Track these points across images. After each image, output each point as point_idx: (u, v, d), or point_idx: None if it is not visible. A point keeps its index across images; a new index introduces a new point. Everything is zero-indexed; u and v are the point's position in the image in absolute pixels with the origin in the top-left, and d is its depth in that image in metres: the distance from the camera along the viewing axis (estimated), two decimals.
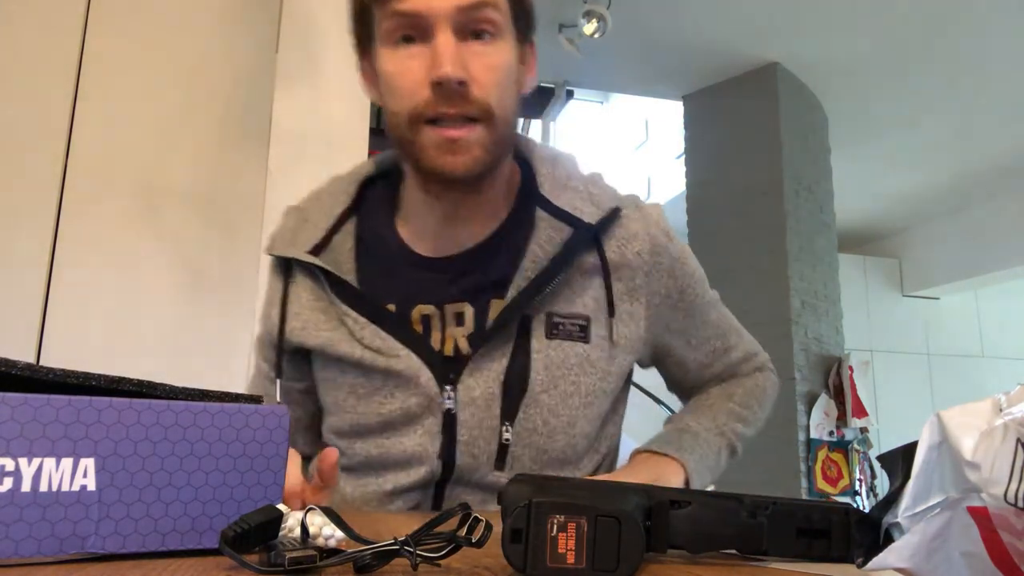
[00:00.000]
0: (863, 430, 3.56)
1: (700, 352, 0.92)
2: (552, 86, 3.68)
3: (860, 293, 5.58)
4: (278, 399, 0.85)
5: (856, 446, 3.53)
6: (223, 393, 0.48)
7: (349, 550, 0.38)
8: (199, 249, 1.97)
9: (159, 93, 2.02)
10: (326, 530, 0.42)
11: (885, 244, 6.01)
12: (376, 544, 0.38)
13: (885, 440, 4.51)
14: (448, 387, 0.78)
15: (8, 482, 0.40)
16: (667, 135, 5.07)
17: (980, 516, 0.29)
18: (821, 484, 3.38)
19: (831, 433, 3.46)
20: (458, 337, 0.79)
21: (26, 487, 0.40)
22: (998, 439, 0.29)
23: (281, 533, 0.43)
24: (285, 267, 0.85)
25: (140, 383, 0.46)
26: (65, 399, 0.42)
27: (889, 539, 0.34)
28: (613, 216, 0.81)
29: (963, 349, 5.76)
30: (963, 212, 5.36)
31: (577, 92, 3.99)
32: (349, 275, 0.82)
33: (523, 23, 0.77)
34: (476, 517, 0.39)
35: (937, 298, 5.82)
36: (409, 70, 0.71)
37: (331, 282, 0.80)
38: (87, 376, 0.45)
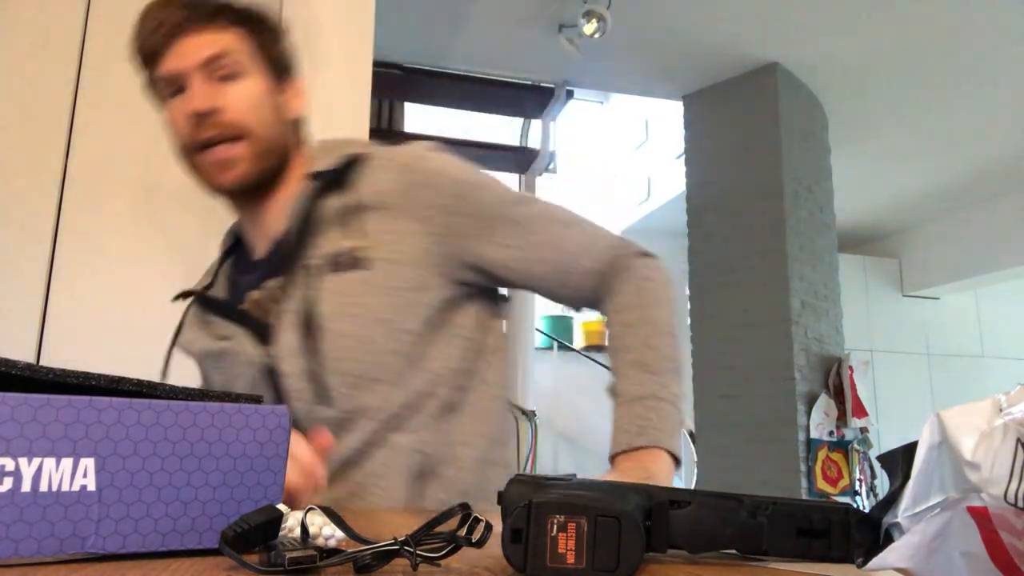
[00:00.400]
0: (863, 430, 3.56)
1: (532, 254, 0.93)
2: (552, 86, 3.68)
3: (860, 293, 5.58)
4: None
5: (856, 446, 3.53)
6: (223, 393, 0.48)
7: (349, 550, 0.38)
8: (199, 249, 1.97)
9: None
10: (326, 530, 0.42)
11: (885, 244, 6.01)
12: (376, 544, 0.38)
13: (885, 440, 4.51)
14: (264, 347, 0.90)
15: (8, 482, 0.40)
16: (667, 135, 5.07)
17: (980, 516, 0.29)
18: (821, 484, 3.39)
19: (831, 433, 3.46)
20: (273, 306, 0.93)
21: (26, 487, 0.40)
22: (998, 439, 0.29)
23: (281, 533, 0.43)
24: (186, 311, 1.05)
25: (140, 383, 0.46)
26: (65, 399, 0.42)
27: (889, 539, 0.34)
28: (352, 162, 0.92)
29: (963, 349, 5.76)
30: (963, 212, 5.37)
31: (577, 92, 3.99)
32: (222, 291, 1.00)
33: (275, 64, 0.94)
34: (476, 517, 0.39)
35: (937, 298, 5.82)
36: (180, 111, 0.88)
37: (207, 304, 1.00)
38: (87, 376, 0.45)
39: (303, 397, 0.87)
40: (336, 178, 0.91)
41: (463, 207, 0.92)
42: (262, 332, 0.90)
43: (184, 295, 1.05)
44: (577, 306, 1.04)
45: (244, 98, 0.88)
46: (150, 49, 0.91)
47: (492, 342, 1.01)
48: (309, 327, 0.86)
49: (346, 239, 0.89)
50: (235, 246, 1.05)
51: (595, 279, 0.96)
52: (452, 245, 0.91)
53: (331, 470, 0.86)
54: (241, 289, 0.97)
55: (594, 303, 0.99)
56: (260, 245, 0.98)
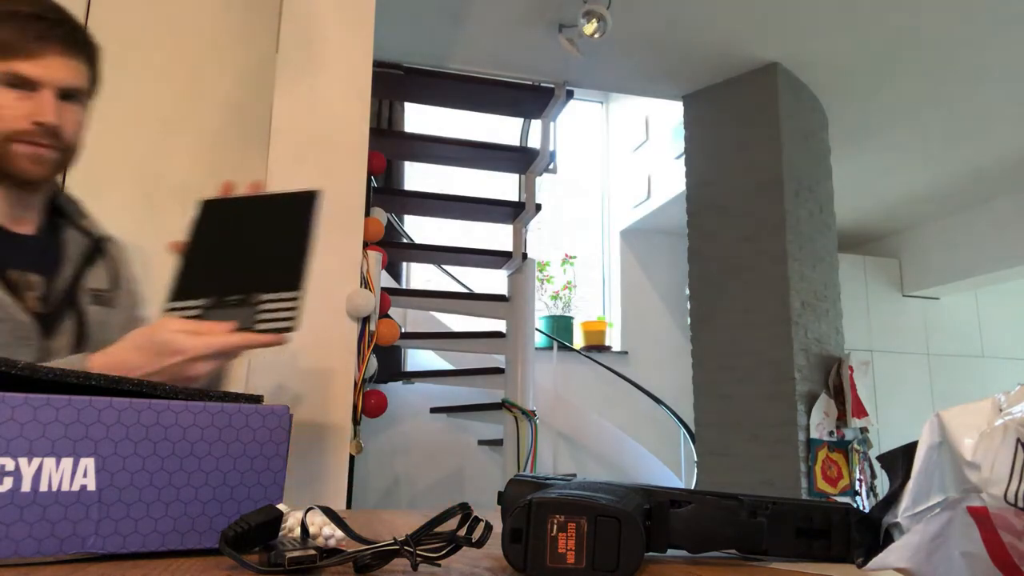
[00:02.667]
0: (863, 430, 3.56)
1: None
2: (552, 86, 3.68)
3: (860, 293, 5.58)
4: None
5: (856, 446, 3.53)
6: (223, 393, 0.48)
7: (349, 550, 0.38)
8: None
9: (159, 93, 2.02)
10: (326, 530, 0.42)
11: (885, 244, 6.01)
12: (376, 544, 0.38)
13: (885, 440, 4.51)
14: (47, 340, 1.02)
15: (8, 482, 0.40)
16: (667, 135, 5.07)
17: (980, 516, 0.29)
18: (821, 484, 3.39)
19: (831, 433, 3.46)
20: (32, 300, 1.04)
21: (26, 487, 0.40)
22: (998, 439, 0.29)
23: (281, 533, 0.43)
24: None
25: (140, 383, 0.46)
26: (65, 399, 0.42)
27: (889, 539, 0.34)
28: (108, 238, 1.18)
29: (963, 349, 5.76)
30: (963, 212, 5.37)
31: (577, 92, 3.98)
32: None
33: (93, 91, 1.09)
34: (476, 517, 0.39)
35: (937, 298, 5.82)
36: (15, 108, 0.98)
37: None
38: (87, 376, 0.45)
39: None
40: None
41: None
42: (43, 324, 1.02)
43: None
44: None
45: (77, 121, 1.04)
46: (10, 44, 0.98)
47: None
48: (80, 340, 1.05)
49: (104, 283, 1.12)
50: None
51: None
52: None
53: None
54: None
55: None
56: (11, 221, 1.08)
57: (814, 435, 3.38)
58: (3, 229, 1.07)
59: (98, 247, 1.16)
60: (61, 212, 1.17)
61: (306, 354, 1.81)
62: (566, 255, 5.80)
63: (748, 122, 3.66)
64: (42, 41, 0.99)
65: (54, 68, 1.00)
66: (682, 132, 3.98)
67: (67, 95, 1.02)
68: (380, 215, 2.52)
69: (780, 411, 3.37)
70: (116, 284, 1.14)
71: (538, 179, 3.72)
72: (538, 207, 3.56)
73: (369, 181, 2.42)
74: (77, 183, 1.93)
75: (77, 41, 1.03)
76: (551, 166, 3.89)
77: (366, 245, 1.93)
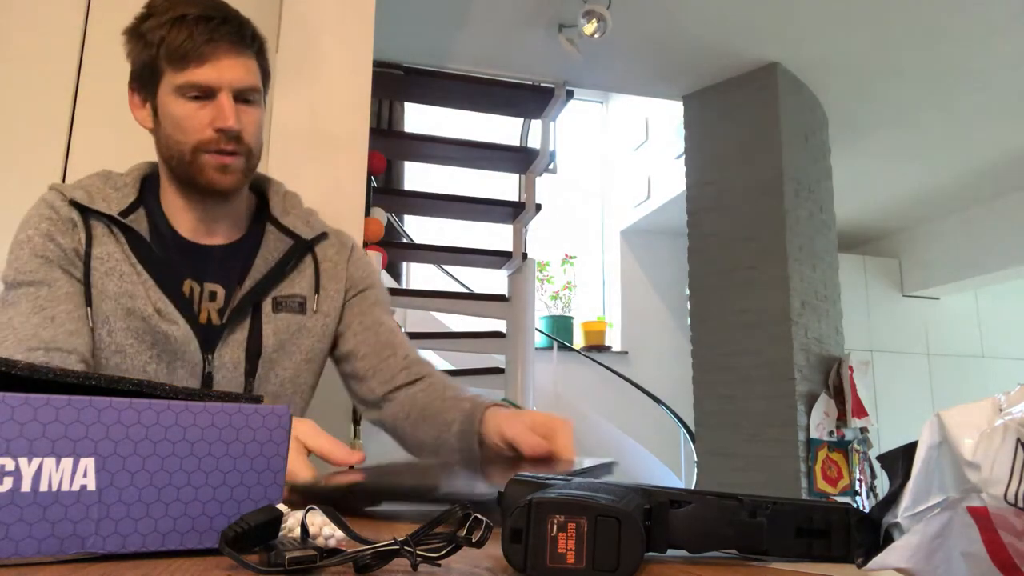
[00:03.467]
0: (863, 430, 3.56)
1: (373, 335, 1.13)
2: (552, 86, 3.68)
3: (860, 293, 5.58)
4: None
5: (856, 446, 3.53)
6: (223, 393, 0.48)
7: (349, 550, 0.38)
8: None
9: None
10: (326, 530, 0.42)
11: (885, 244, 6.01)
12: (376, 544, 0.38)
13: (885, 440, 4.51)
14: (208, 355, 1.00)
15: (8, 482, 0.40)
16: (667, 135, 5.07)
17: (980, 516, 0.29)
18: (821, 484, 3.39)
19: (831, 433, 3.46)
20: (212, 311, 1.02)
21: (26, 487, 0.40)
22: (998, 439, 0.29)
23: (281, 533, 0.43)
24: (83, 219, 1.00)
25: (140, 383, 0.46)
26: (65, 399, 0.42)
27: (889, 539, 0.34)
28: (322, 236, 1.14)
29: (963, 349, 5.76)
30: (963, 212, 5.37)
31: (577, 92, 3.98)
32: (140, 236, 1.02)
33: (267, 84, 1.06)
34: (476, 517, 0.39)
35: (937, 298, 5.82)
36: (199, 116, 0.97)
37: (131, 245, 1.00)
38: (87, 376, 0.45)
39: None
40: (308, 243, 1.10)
41: (361, 289, 1.16)
42: (205, 336, 1.00)
43: (77, 203, 1.00)
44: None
45: (256, 124, 1.01)
46: (185, 53, 0.96)
47: None
48: (253, 353, 1.02)
49: (298, 287, 1.07)
50: (146, 195, 1.07)
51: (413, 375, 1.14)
52: (345, 309, 1.14)
53: None
54: (163, 260, 1.01)
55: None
56: (194, 229, 1.05)
57: (814, 435, 3.38)
58: (185, 241, 1.04)
59: (303, 249, 1.10)
60: (265, 213, 1.12)
61: None
62: (566, 255, 5.80)
63: (748, 122, 3.66)
64: (212, 44, 0.96)
65: (227, 70, 0.97)
66: (682, 132, 3.98)
67: (243, 96, 0.99)
68: (380, 215, 2.52)
69: (780, 411, 3.37)
70: (317, 288, 1.09)
71: (538, 179, 3.72)
72: (538, 207, 3.56)
73: (369, 181, 2.42)
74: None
75: (244, 37, 0.99)
76: (551, 166, 3.89)
77: (366, 245, 1.93)
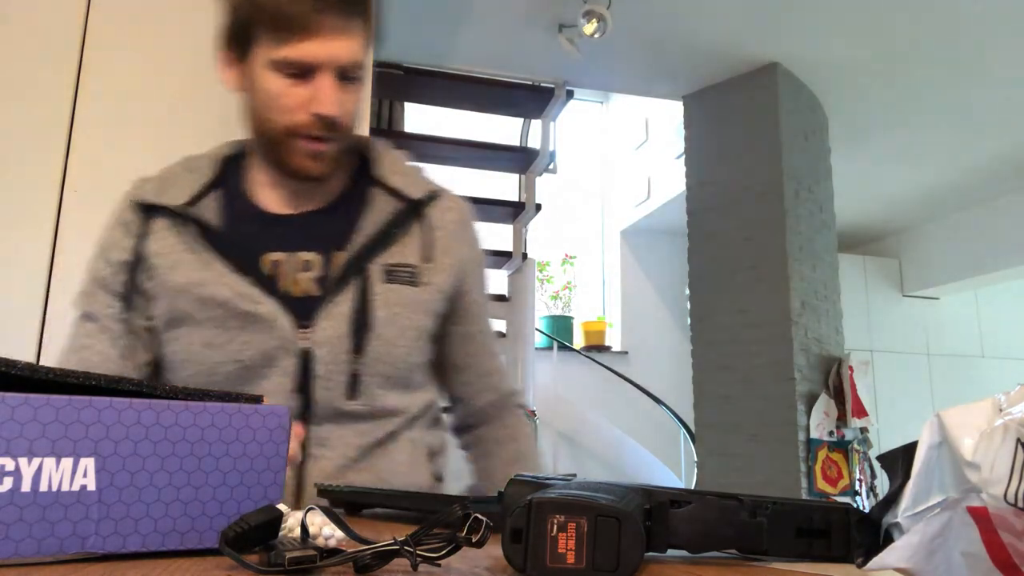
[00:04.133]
0: (863, 430, 3.56)
1: (473, 346, 1.05)
2: (552, 86, 3.68)
3: (860, 293, 5.58)
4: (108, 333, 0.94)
5: (856, 446, 3.53)
6: (223, 393, 0.48)
7: (349, 550, 0.38)
8: None
9: (159, 93, 2.02)
10: (326, 530, 0.42)
11: (885, 244, 6.01)
12: (376, 544, 0.38)
13: (885, 440, 4.51)
14: (303, 329, 0.89)
15: (8, 482, 0.40)
16: (667, 135, 5.07)
17: (980, 516, 0.29)
18: (821, 484, 3.38)
19: (831, 433, 3.46)
20: (306, 282, 0.92)
21: (26, 487, 0.40)
22: (998, 439, 0.29)
23: (281, 533, 0.43)
24: (145, 218, 0.95)
25: (140, 383, 0.46)
26: (65, 399, 0.42)
27: (889, 539, 0.34)
28: (434, 196, 1.00)
29: (963, 349, 5.76)
30: (963, 212, 5.36)
31: (577, 92, 3.98)
32: (211, 221, 0.94)
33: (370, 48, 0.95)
34: (476, 517, 0.39)
35: (937, 298, 5.82)
36: (292, 96, 0.87)
37: (200, 235, 0.92)
38: (87, 376, 0.45)
39: (332, 387, 0.90)
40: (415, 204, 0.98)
41: (470, 280, 1.04)
42: (298, 309, 0.89)
43: (141, 201, 0.96)
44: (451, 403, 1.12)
45: (354, 104, 0.91)
46: (287, 20, 0.84)
47: None
48: (361, 326, 0.90)
49: (410, 256, 0.95)
50: (227, 175, 0.99)
51: (500, 404, 1.10)
52: (452, 296, 1.01)
53: (353, 458, 0.92)
54: (240, 236, 0.93)
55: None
56: (283, 200, 0.96)
57: (814, 435, 3.38)
58: (266, 214, 0.95)
59: (412, 211, 0.97)
60: (367, 171, 1.00)
61: None
62: (566, 255, 5.80)
63: (748, 122, 3.66)
64: (318, 13, 0.83)
65: (331, 46, 0.85)
66: (682, 132, 3.98)
67: (346, 74, 0.87)
68: None
69: (780, 411, 3.37)
70: (428, 256, 0.97)
71: (538, 179, 3.72)
72: (538, 207, 3.56)
73: None
74: (78, 183, 1.94)
75: (354, 7, 0.86)
76: (551, 166, 3.89)
77: None
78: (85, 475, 0.42)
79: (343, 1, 0.84)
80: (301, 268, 0.92)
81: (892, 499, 0.34)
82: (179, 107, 2.04)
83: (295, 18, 0.83)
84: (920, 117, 4.02)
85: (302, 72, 0.86)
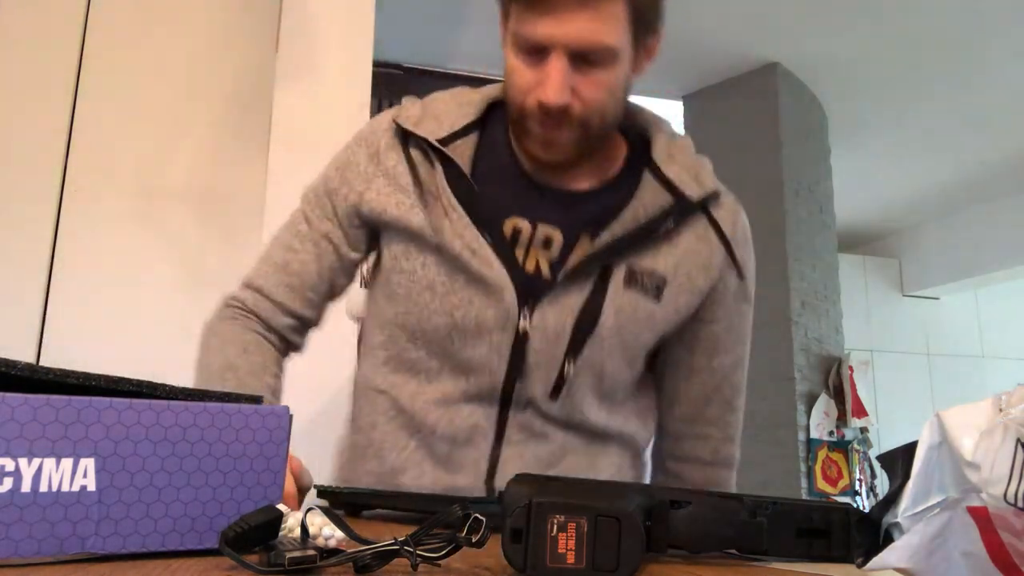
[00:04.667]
0: (863, 430, 3.56)
1: (697, 382, 0.93)
2: None
3: (860, 293, 5.57)
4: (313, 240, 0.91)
5: (856, 446, 3.53)
6: (223, 393, 0.48)
7: (349, 550, 0.38)
8: (199, 249, 1.97)
9: (159, 93, 2.02)
10: (326, 530, 0.42)
11: (885, 244, 6.00)
12: (376, 544, 0.38)
13: (885, 440, 4.51)
14: (526, 308, 0.82)
15: (8, 482, 0.40)
16: None
17: (980, 516, 0.29)
18: (821, 484, 3.38)
19: (831, 433, 3.46)
20: (541, 259, 0.84)
21: (26, 487, 0.40)
22: (998, 439, 0.29)
23: (281, 533, 0.43)
24: (403, 143, 0.88)
25: (140, 383, 0.46)
26: (65, 399, 0.42)
27: (889, 539, 0.34)
28: (712, 198, 0.87)
29: (963, 349, 5.75)
30: (963, 212, 5.36)
31: None
32: (459, 168, 0.86)
33: (643, 30, 0.81)
34: (476, 517, 0.39)
35: (937, 298, 5.82)
36: (525, 76, 0.79)
37: (448, 176, 0.84)
38: (87, 376, 0.45)
39: (537, 381, 0.83)
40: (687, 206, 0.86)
41: (724, 306, 0.92)
42: (526, 287, 0.82)
43: (397, 123, 0.88)
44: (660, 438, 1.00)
45: (600, 88, 0.79)
46: None
47: None
48: (584, 327, 0.82)
49: (661, 264, 0.84)
50: (483, 119, 0.90)
51: (714, 453, 0.97)
52: (692, 318, 0.89)
53: (538, 466, 0.86)
54: (489, 191, 0.85)
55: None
56: (537, 167, 0.87)
57: (814, 435, 3.38)
58: (522, 175, 0.87)
59: (682, 212, 0.85)
60: (646, 154, 0.88)
61: (306, 354, 1.81)
62: None
63: (748, 122, 3.65)
64: None
65: (567, 25, 0.74)
66: (682, 132, 3.98)
67: (584, 58, 0.77)
68: None
69: (780, 411, 3.37)
70: (677, 271, 0.85)
71: None
72: None
73: None
74: (78, 183, 1.94)
75: None
76: None
77: None
78: (85, 475, 0.42)
79: None
80: (541, 243, 0.84)
81: (892, 499, 0.34)
82: (179, 107, 2.04)
83: None
84: (920, 117, 4.02)
85: (535, 51, 0.77)
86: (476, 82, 3.22)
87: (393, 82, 3.42)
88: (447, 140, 0.85)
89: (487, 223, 0.83)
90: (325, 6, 1.97)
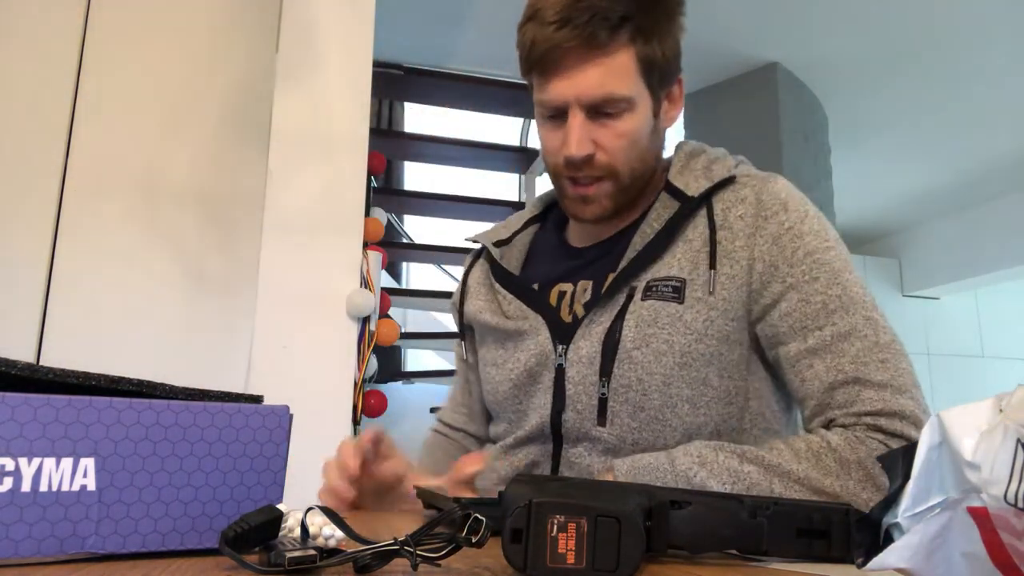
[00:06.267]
0: None
1: (810, 350, 0.78)
2: None
3: None
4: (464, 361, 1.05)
5: None
6: (223, 393, 0.48)
7: (349, 550, 0.38)
8: (199, 249, 1.97)
9: (159, 93, 2.02)
10: (326, 530, 0.42)
11: (885, 244, 6.00)
12: (376, 544, 0.38)
13: None
14: (561, 346, 0.87)
15: (8, 482, 0.40)
16: (667, 135, 5.07)
17: (980, 516, 0.29)
18: None
19: None
20: (577, 306, 0.90)
21: (26, 487, 0.40)
22: (998, 439, 0.29)
23: (281, 533, 0.43)
24: (476, 255, 1.05)
25: (140, 383, 0.46)
26: (65, 399, 0.42)
27: (889, 539, 0.34)
28: (723, 184, 0.87)
29: (963, 349, 5.75)
30: (963, 212, 5.36)
31: None
32: (514, 263, 0.99)
33: (657, 79, 0.85)
34: (476, 517, 0.39)
35: (937, 298, 5.82)
36: (551, 139, 0.86)
37: (494, 267, 0.98)
38: (87, 376, 0.45)
39: (582, 410, 0.85)
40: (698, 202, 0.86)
41: (791, 278, 0.81)
42: (560, 329, 0.88)
43: (473, 240, 1.05)
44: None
45: (621, 136, 0.83)
46: (537, 61, 0.83)
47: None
48: (611, 347, 0.83)
49: (676, 267, 0.83)
50: (544, 215, 1.04)
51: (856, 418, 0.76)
52: (762, 309, 0.82)
53: None
54: (542, 268, 0.96)
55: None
56: (583, 234, 0.96)
57: None
58: (566, 246, 0.97)
59: (688, 213, 0.85)
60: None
61: (306, 354, 1.81)
62: None
63: (748, 122, 3.66)
64: (555, 50, 0.80)
65: (576, 82, 0.80)
66: (682, 132, 3.98)
67: (600, 109, 0.81)
68: (380, 215, 2.52)
69: None
70: (703, 264, 0.82)
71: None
72: None
73: (369, 181, 2.43)
74: (78, 183, 1.94)
75: (598, 32, 0.78)
76: None
77: (366, 245, 1.93)
78: (85, 475, 0.42)
79: (582, 35, 0.78)
80: (580, 296, 0.90)
81: (892, 499, 0.34)
82: (179, 107, 2.04)
83: (536, 63, 0.82)
84: (920, 117, 4.02)
85: (557, 114, 0.84)
86: (476, 82, 3.22)
87: (393, 82, 3.42)
88: (509, 239, 1.00)
89: (530, 296, 0.93)
90: (325, 6, 1.97)
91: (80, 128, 1.96)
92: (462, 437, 1.06)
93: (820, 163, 3.87)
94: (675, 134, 4.66)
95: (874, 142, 4.31)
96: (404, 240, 4.37)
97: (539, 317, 0.89)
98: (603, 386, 0.83)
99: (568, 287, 0.91)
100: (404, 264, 4.63)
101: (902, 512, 0.33)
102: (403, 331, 2.22)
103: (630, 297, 0.84)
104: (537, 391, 0.89)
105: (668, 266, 0.84)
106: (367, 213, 2.11)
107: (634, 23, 0.80)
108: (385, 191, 3.71)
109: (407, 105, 4.54)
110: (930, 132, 4.19)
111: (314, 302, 1.83)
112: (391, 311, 2.28)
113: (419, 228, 4.79)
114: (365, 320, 1.88)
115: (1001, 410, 0.30)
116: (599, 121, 0.82)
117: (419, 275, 5.01)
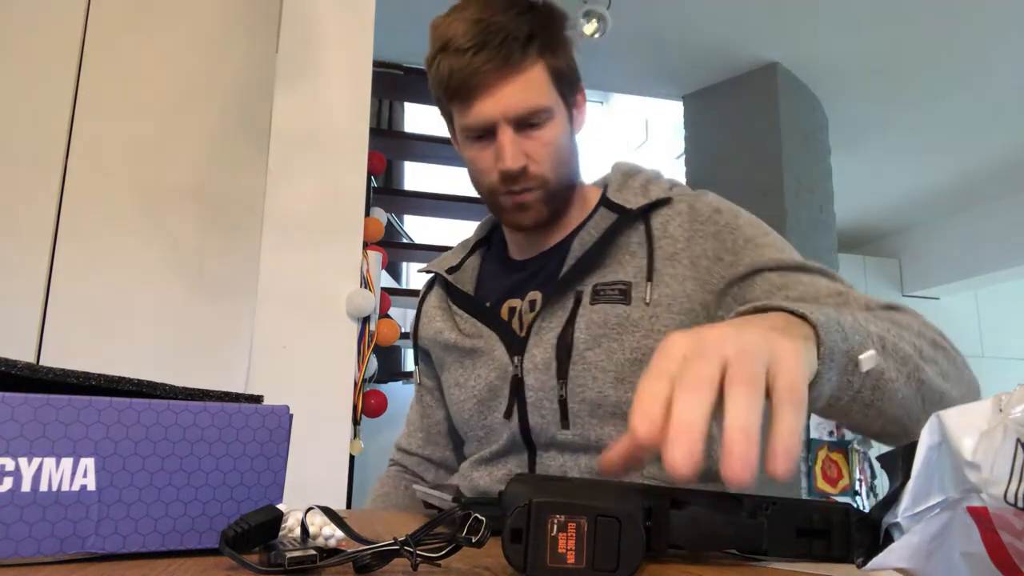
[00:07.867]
0: None
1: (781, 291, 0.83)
2: None
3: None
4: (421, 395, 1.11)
5: (856, 446, 3.53)
6: (223, 393, 0.48)
7: (349, 550, 0.38)
8: (199, 249, 1.97)
9: (159, 93, 2.02)
10: (326, 530, 0.42)
11: (885, 244, 6.00)
12: (376, 544, 0.38)
13: None
14: (516, 357, 0.91)
15: (8, 482, 0.40)
16: (667, 135, 5.07)
17: (980, 516, 0.29)
18: (821, 484, 3.38)
19: (831, 433, 3.46)
20: (526, 318, 0.94)
21: (26, 487, 0.40)
22: (998, 439, 0.29)
23: (281, 533, 0.43)
24: (429, 285, 1.09)
25: (140, 383, 0.46)
26: (65, 399, 0.42)
27: (889, 539, 0.34)
28: (661, 203, 0.93)
29: (963, 349, 5.70)
30: (963, 212, 5.36)
31: None
32: (468, 285, 1.03)
33: (566, 88, 0.92)
34: (476, 517, 0.39)
35: (937, 298, 5.82)
36: (483, 159, 0.90)
37: (449, 291, 1.02)
38: (87, 376, 0.45)
39: (545, 415, 0.89)
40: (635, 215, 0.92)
41: (739, 266, 0.85)
42: (514, 341, 0.92)
43: (426, 271, 1.09)
44: None
45: (546, 145, 0.89)
46: (456, 88, 0.86)
47: None
48: (564, 351, 0.87)
49: (622, 273, 0.89)
50: (489, 237, 1.10)
51: None
52: (717, 299, 0.86)
53: None
54: (492, 287, 1.01)
55: None
56: (522, 248, 1.01)
57: (814, 435, 3.38)
58: (511, 262, 1.01)
59: (627, 223, 0.91)
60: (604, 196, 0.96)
61: (306, 354, 1.81)
62: None
63: (748, 122, 3.66)
64: (474, 76, 0.84)
65: (499, 100, 0.85)
66: (682, 132, 3.98)
67: (526, 121, 0.87)
68: (380, 215, 2.52)
69: None
70: (648, 270, 0.88)
71: None
72: None
73: (369, 181, 2.42)
74: (78, 184, 1.94)
75: (512, 53, 0.84)
76: None
77: (366, 245, 1.93)
78: (85, 475, 0.42)
79: (498, 59, 0.83)
80: (528, 308, 0.95)
81: (892, 499, 0.34)
82: (179, 108, 2.04)
83: (455, 90, 0.86)
84: (920, 117, 4.02)
85: (484, 134, 0.88)
86: None
87: (393, 82, 3.42)
88: (459, 265, 1.04)
89: (488, 312, 0.96)
90: (325, 6, 1.97)
91: (80, 128, 1.96)
92: (416, 463, 1.09)
93: (820, 163, 3.87)
94: (674, 133, 4.67)
95: (874, 142, 4.31)
96: (404, 240, 4.37)
97: (493, 334, 0.94)
98: (561, 388, 0.87)
99: (517, 302, 0.96)
100: (404, 264, 4.64)
101: (902, 512, 0.33)
102: (403, 331, 2.22)
103: (578, 302, 0.89)
104: (500, 404, 0.92)
105: (613, 272, 0.89)
106: (367, 213, 2.11)
107: (540, 39, 0.86)
108: (385, 191, 3.71)
109: (407, 105, 4.54)
110: (930, 132, 4.19)
111: (314, 302, 1.83)
112: (391, 311, 2.28)
113: (419, 228, 4.79)
114: (365, 320, 1.88)
115: (1001, 410, 0.30)
116: (525, 133, 0.87)
117: (419, 275, 5.01)
